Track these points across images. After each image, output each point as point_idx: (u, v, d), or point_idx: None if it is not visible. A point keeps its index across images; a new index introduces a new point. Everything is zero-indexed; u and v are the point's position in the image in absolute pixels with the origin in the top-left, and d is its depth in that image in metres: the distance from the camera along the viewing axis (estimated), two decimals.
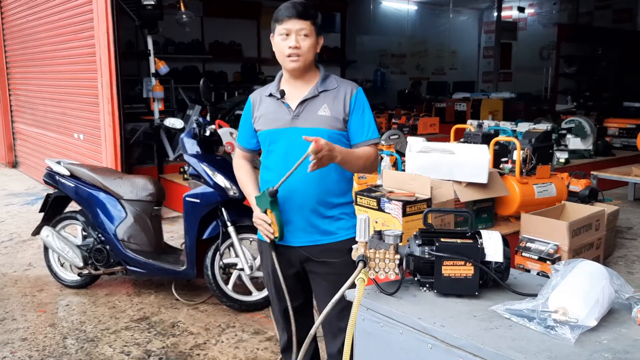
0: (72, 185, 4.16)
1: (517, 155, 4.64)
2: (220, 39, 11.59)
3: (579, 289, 1.56)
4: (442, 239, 1.79)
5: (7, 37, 9.39)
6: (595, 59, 14.55)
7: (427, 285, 1.80)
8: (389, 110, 11.17)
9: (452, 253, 1.75)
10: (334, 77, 2.33)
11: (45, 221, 4.34)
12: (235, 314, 3.87)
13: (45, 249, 4.36)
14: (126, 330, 3.64)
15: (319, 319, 1.78)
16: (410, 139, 5.01)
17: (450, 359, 1.53)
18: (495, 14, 14.61)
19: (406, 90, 13.75)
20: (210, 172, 3.75)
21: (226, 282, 3.89)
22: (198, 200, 3.81)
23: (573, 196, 5.16)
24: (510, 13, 15.09)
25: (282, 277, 2.35)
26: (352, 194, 2.42)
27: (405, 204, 3.51)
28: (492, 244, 1.78)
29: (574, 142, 8.19)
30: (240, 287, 3.93)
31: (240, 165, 2.49)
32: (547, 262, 3.89)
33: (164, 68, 6.85)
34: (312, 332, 1.82)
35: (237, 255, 3.87)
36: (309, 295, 2.51)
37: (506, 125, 7.43)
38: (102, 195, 4.09)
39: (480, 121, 7.69)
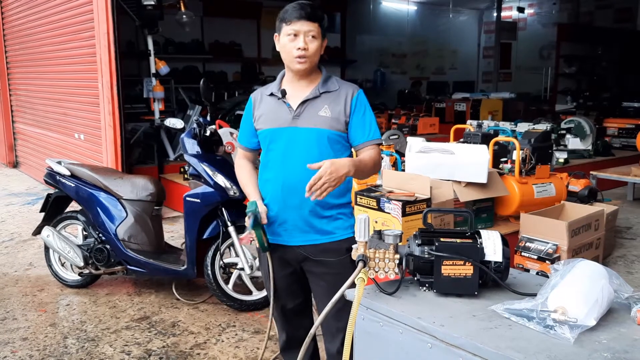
0: (73, 185, 4.17)
1: (516, 155, 4.65)
2: (220, 39, 11.59)
3: (578, 289, 1.57)
4: (442, 239, 1.80)
5: (8, 37, 9.39)
6: (595, 59, 14.56)
7: (427, 285, 1.81)
8: (389, 110, 11.17)
9: (452, 253, 1.75)
10: (335, 79, 2.34)
11: (46, 221, 4.35)
12: (236, 314, 3.88)
13: (46, 248, 4.36)
14: (127, 329, 3.65)
15: (318, 319, 1.78)
16: (410, 139, 5.02)
17: (450, 359, 1.53)
18: (495, 14, 14.63)
19: (406, 90, 13.74)
20: (210, 172, 3.76)
21: (226, 282, 3.90)
22: (198, 200, 3.82)
23: (572, 196, 5.16)
24: (510, 13, 15.10)
25: (273, 280, 2.38)
26: (350, 195, 2.42)
27: (405, 203, 3.52)
28: (491, 244, 1.79)
29: (573, 142, 8.20)
30: (240, 286, 3.94)
31: (241, 165, 2.49)
32: (547, 261, 3.90)
33: (164, 68, 6.86)
34: (312, 331, 1.83)
35: (237, 255, 3.88)
36: (308, 294, 2.52)
37: (506, 125, 7.44)
38: (102, 195, 4.10)
39: (480, 121, 7.68)
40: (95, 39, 6.06)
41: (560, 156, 7.38)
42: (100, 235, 4.10)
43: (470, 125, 6.44)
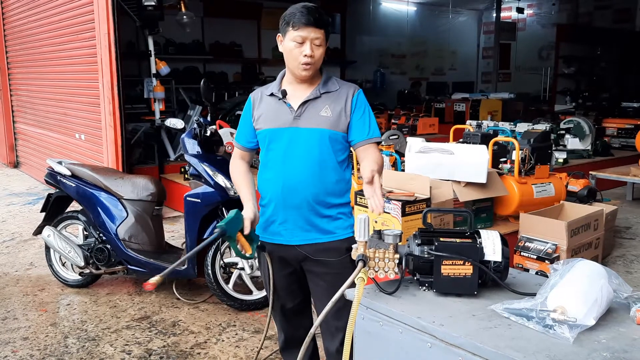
0: (74, 185, 4.18)
1: (516, 155, 4.66)
2: (220, 40, 11.59)
3: (577, 289, 1.57)
4: (442, 239, 1.81)
5: (9, 37, 9.40)
6: (594, 60, 14.57)
7: (427, 285, 1.82)
8: (389, 110, 11.18)
9: (452, 252, 1.76)
10: (335, 79, 2.34)
11: (47, 221, 4.36)
12: (236, 313, 3.88)
13: (47, 248, 4.37)
14: (127, 329, 3.66)
15: (318, 318, 1.79)
16: (409, 139, 5.03)
17: (450, 358, 1.54)
18: (495, 14, 14.64)
19: (406, 91, 13.75)
20: (210, 172, 3.77)
21: (227, 282, 3.91)
22: (199, 200, 3.83)
23: (572, 196, 5.17)
24: (509, 14, 15.11)
25: (272, 280, 2.38)
26: (349, 195, 2.43)
27: (405, 203, 3.53)
28: (491, 244, 1.80)
29: (572, 142, 8.21)
30: (240, 286, 3.95)
31: (237, 165, 2.47)
32: (546, 261, 3.91)
33: (164, 68, 6.87)
34: (311, 331, 1.84)
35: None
36: (307, 294, 2.52)
37: (505, 125, 7.45)
38: (103, 195, 4.11)
39: (480, 121, 7.69)
40: (96, 40, 6.07)
41: (560, 156, 7.39)
42: (101, 235, 4.11)
43: (469, 126, 6.45)
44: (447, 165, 4.17)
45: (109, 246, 4.08)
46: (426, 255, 1.79)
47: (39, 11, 7.85)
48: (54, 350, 3.38)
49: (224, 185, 3.74)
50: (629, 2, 13.87)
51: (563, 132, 8.17)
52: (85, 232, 4.25)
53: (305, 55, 2.17)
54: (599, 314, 1.56)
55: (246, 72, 11.95)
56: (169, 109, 7.80)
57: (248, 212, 2.28)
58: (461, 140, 5.28)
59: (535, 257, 4.00)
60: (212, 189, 3.77)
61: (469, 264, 1.75)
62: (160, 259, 4.02)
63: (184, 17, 8.59)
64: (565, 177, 5.26)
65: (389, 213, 3.57)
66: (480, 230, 1.85)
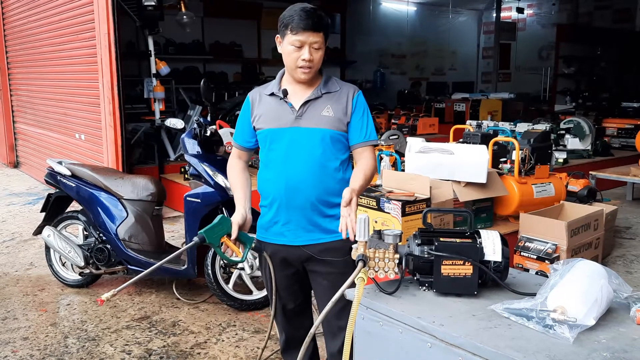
0: (74, 185, 4.18)
1: (516, 155, 4.66)
2: (220, 40, 11.60)
3: (577, 288, 1.57)
4: (442, 239, 1.81)
5: (9, 37, 9.40)
6: (594, 60, 14.58)
7: (427, 285, 1.82)
8: (389, 110, 11.19)
9: (451, 252, 1.76)
10: (335, 80, 2.35)
11: (47, 221, 4.36)
12: (236, 313, 3.89)
13: (47, 248, 4.37)
14: (127, 329, 3.66)
15: (319, 318, 1.79)
16: (409, 139, 5.03)
17: (450, 358, 1.54)
18: (495, 14, 14.65)
19: (406, 91, 13.76)
20: (210, 172, 3.77)
21: (227, 282, 3.91)
22: (199, 200, 3.83)
23: (572, 196, 5.17)
24: (509, 14, 15.11)
25: (274, 281, 2.38)
26: None
27: (405, 203, 3.53)
28: (491, 244, 1.80)
29: (572, 142, 8.21)
30: (240, 286, 3.95)
31: (233, 164, 2.46)
32: (546, 261, 3.91)
33: (164, 68, 6.87)
34: (312, 331, 1.84)
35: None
36: (308, 295, 2.52)
37: (505, 125, 7.45)
38: (103, 195, 4.11)
39: (480, 121, 7.70)
40: (96, 40, 6.07)
41: (560, 156, 7.39)
42: (101, 235, 4.11)
43: (469, 126, 6.46)
44: (447, 165, 4.17)
45: (109, 246, 4.08)
46: (426, 255, 1.79)
47: (39, 11, 7.85)
48: (54, 350, 3.38)
49: (224, 185, 3.74)
50: (629, 2, 13.87)
51: (563, 132, 8.18)
52: (85, 232, 4.25)
53: (304, 60, 2.17)
54: (599, 314, 1.56)
55: (246, 72, 11.95)
56: (169, 109, 7.80)
57: (237, 217, 2.27)
58: (461, 140, 5.28)
59: (535, 257, 4.00)
60: (212, 189, 3.77)
61: (469, 264, 1.75)
62: (160, 259, 3.99)
63: (184, 17, 8.60)
64: (565, 177, 5.26)
65: (389, 213, 3.58)
66: (480, 230, 1.85)
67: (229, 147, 5.00)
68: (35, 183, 8.34)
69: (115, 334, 3.59)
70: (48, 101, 8.06)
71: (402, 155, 5.02)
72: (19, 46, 8.97)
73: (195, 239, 2.17)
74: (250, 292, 3.93)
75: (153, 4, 6.31)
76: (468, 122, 7.84)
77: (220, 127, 5.87)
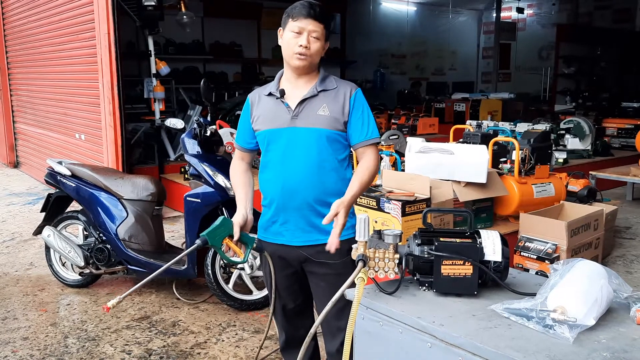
0: (74, 185, 4.18)
1: (516, 155, 4.66)
2: (220, 40, 11.60)
3: (577, 288, 1.57)
4: (442, 239, 1.81)
5: (9, 37, 9.40)
6: (594, 60, 14.58)
7: (427, 285, 1.82)
8: (389, 110, 11.18)
9: (451, 252, 1.76)
10: (333, 78, 2.33)
11: (47, 221, 4.36)
12: (236, 313, 3.89)
13: (47, 248, 4.37)
14: (127, 329, 3.66)
15: (318, 318, 1.79)
16: (409, 139, 5.03)
17: (450, 358, 1.54)
18: (495, 14, 14.64)
19: (406, 91, 13.75)
20: (211, 172, 3.77)
21: (227, 282, 3.91)
22: (199, 200, 3.83)
23: (572, 196, 5.18)
24: (509, 14, 15.11)
25: (274, 280, 2.38)
26: None
27: (405, 203, 3.53)
28: (491, 244, 1.80)
29: (572, 142, 8.21)
30: (240, 286, 3.95)
31: (236, 165, 2.48)
32: (546, 261, 3.91)
33: (164, 68, 6.87)
34: (311, 331, 1.84)
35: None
36: (309, 295, 2.52)
37: (505, 125, 7.45)
38: (103, 195, 4.11)
39: (480, 121, 7.70)
40: (95, 40, 6.08)
41: (560, 156, 7.39)
42: (101, 235, 4.11)
43: (469, 126, 6.46)
44: (447, 165, 4.17)
45: (109, 246, 4.08)
46: (426, 255, 1.79)
47: (39, 11, 7.85)
48: (54, 350, 3.38)
49: (224, 185, 3.74)
50: (629, 2, 13.87)
51: (563, 132, 8.18)
52: (85, 232, 4.25)
53: (301, 46, 2.18)
54: (599, 314, 1.57)
55: (246, 72, 11.95)
56: (169, 109, 7.81)
57: (238, 217, 2.28)
58: (461, 140, 5.29)
59: (535, 257, 4.00)
60: (212, 189, 3.77)
61: (469, 264, 1.75)
62: (160, 259, 4.02)
63: (184, 17, 8.60)
64: (565, 177, 5.27)
65: (389, 213, 3.58)
66: (480, 230, 1.85)
67: (229, 147, 5.01)
68: (35, 183, 8.34)
69: (115, 334, 3.59)
70: (48, 101, 8.06)
71: (402, 155, 5.02)
72: (19, 46, 8.98)
73: (198, 241, 2.17)
74: (250, 292, 3.93)
75: (153, 4, 6.31)
76: (468, 122, 7.84)
77: (220, 127, 5.87)
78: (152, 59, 6.81)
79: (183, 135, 4.01)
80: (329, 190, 2.28)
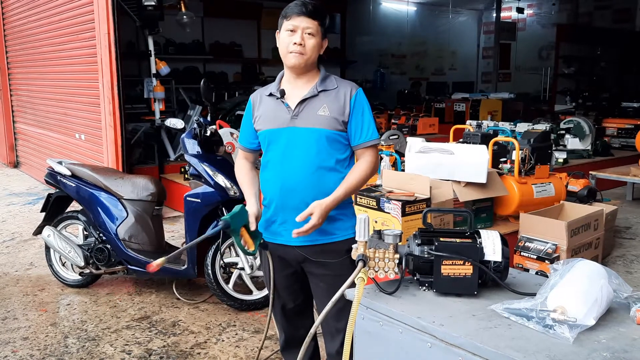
0: (74, 185, 4.18)
1: (516, 155, 4.66)
2: (220, 40, 11.60)
3: (577, 288, 1.57)
4: (442, 239, 1.81)
5: (9, 37, 9.40)
6: (594, 60, 14.58)
7: (427, 285, 1.82)
8: (389, 110, 11.18)
9: (451, 252, 1.76)
10: (334, 77, 2.33)
11: (47, 221, 4.36)
12: (236, 313, 3.89)
13: (47, 248, 4.37)
14: (127, 329, 3.66)
15: (318, 319, 1.79)
16: (409, 139, 5.03)
17: (450, 358, 1.54)
18: (495, 14, 14.65)
19: (406, 91, 13.75)
20: (210, 172, 3.77)
21: (227, 282, 3.91)
22: (199, 200, 3.83)
23: (572, 196, 5.18)
24: (509, 14, 15.11)
25: (273, 279, 2.39)
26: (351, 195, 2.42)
27: (405, 203, 3.53)
28: (491, 244, 1.80)
29: (572, 142, 8.21)
30: (240, 286, 3.95)
31: (241, 165, 2.50)
32: (546, 261, 3.91)
33: (164, 68, 6.87)
34: (311, 331, 1.84)
35: (237, 255, 3.90)
36: (309, 295, 2.52)
37: (505, 125, 7.45)
38: (103, 195, 4.11)
39: (480, 121, 7.70)
40: (95, 39, 6.08)
41: (560, 156, 7.39)
42: (101, 235, 4.11)
43: (469, 126, 6.46)
44: (447, 165, 4.17)
45: (109, 246, 4.08)
46: (426, 255, 1.79)
47: (39, 11, 7.85)
48: (54, 350, 3.38)
49: (224, 185, 3.74)
50: (629, 2, 13.87)
51: (563, 132, 8.18)
52: (85, 232, 4.25)
53: (295, 43, 2.19)
54: (599, 314, 1.57)
55: (246, 72, 11.96)
56: (169, 109, 7.81)
57: (252, 208, 2.28)
58: (461, 140, 5.29)
59: (535, 257, 4.00)
60: (212, 189, 3.77)
61: (469, 264, 1.75)
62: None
63: (184, 17, 8.60)
64: (565, 177, 5.27)
65: (389, 213, 3.58)
66: (480, 230, 1.85)
67: (229, 147, 5.01)
68: (35, 183, 8.34)
69: (115, 334, 3.59)
70: (48, 101, 8.06)
71: (402, 155, 5.02)
72: (19, 46, 8.98)
73: (222, 223, 2.15)
74: (250, 292, 3.93)
75: (153, 4, 6.31)
76: (468, 122, 7.84)
77: (220, 127, 5.87)
78: (152, 59, 6.81)
79: (183, 135, 4.01)
80: (328, 191, 2.27)
